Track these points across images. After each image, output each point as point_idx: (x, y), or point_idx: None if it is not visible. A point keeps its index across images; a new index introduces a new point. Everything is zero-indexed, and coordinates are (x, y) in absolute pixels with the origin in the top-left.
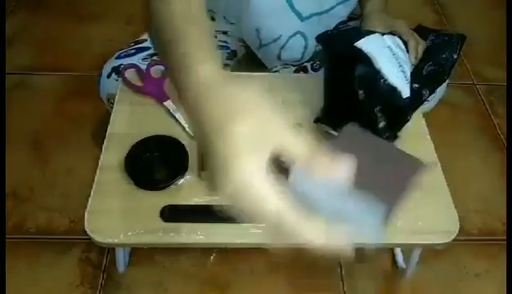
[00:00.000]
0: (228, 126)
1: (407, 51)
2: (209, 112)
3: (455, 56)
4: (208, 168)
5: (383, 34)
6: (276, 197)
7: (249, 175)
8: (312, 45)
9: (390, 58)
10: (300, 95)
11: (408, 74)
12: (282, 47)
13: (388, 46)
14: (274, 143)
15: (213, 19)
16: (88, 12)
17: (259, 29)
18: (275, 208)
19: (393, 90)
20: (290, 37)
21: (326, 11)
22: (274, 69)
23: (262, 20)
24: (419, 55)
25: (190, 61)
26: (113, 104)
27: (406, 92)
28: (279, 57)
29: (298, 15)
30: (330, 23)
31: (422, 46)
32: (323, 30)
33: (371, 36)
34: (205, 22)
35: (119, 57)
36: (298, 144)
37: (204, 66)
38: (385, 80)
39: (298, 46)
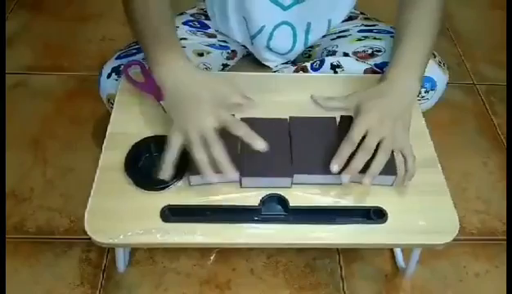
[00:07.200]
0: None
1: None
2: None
3: None
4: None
5: None
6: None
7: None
8: (302, 32)
9: None
10: (300, 94)
11: None
12: (270, 38)
13: None
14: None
15: (209, 18)
16: (88, 12)
17: (246, 19)
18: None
19: None
20: (276, 26)
21: (303, 0)
22: (274, 69)
23: (245, 10)
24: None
25: (163, 58)
26: (113, 104)
27: None
28: (269, 48)
29: (280, 5)
30: (311, 11)
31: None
32: (309, 20)
33: None
34: (173, 20)
35: (118, 57)
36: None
37: (174, 62)
38: None
39: (286, 35)
